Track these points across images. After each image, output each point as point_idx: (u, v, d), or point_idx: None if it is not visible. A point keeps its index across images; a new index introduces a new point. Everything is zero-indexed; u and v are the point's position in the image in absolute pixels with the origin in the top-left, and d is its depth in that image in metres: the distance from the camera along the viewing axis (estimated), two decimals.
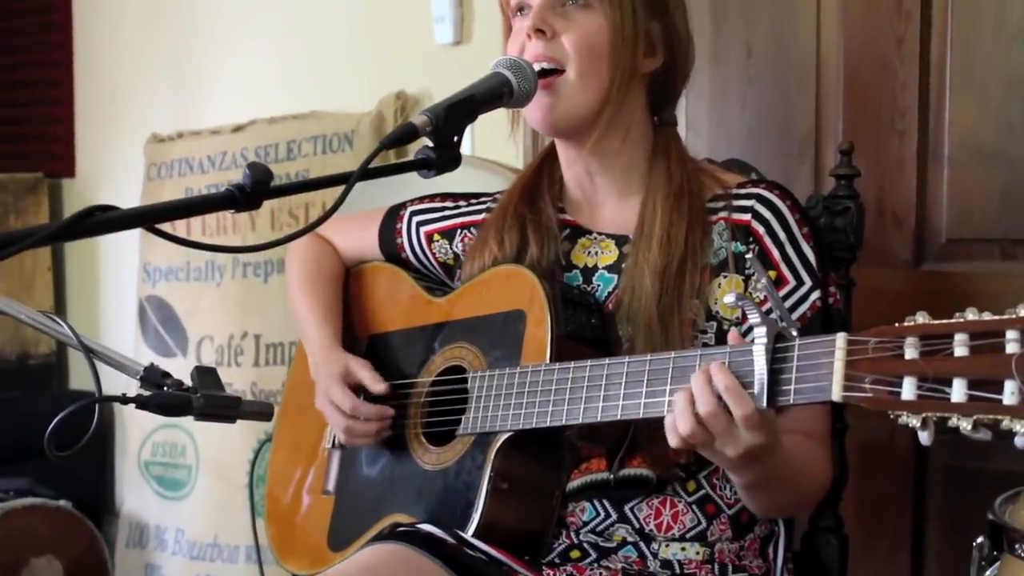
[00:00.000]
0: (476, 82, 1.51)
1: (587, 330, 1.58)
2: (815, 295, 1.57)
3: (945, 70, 2.13)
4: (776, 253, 1.58)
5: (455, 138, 1.43)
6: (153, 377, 1.44)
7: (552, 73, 1.58)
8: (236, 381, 3.19)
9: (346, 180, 1.31)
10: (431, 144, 1.41)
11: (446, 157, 1.41)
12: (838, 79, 2.26)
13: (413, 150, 1.42)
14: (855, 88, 2.25)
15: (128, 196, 3.61)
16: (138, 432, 3.49)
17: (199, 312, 3.33)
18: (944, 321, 1.13)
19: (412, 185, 1.81)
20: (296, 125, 3.12)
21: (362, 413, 1.71)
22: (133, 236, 3.57)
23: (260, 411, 1.47)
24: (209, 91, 3.47)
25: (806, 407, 1.54)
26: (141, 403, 1.41)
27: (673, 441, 1.33)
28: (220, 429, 3.19)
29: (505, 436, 1.54)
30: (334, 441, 1.81)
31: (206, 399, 1.42)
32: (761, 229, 1.59)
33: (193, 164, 3.38)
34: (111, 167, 3.79)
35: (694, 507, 1.59)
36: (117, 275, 3.74)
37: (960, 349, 1.11)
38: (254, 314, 3.19)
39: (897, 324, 1.16)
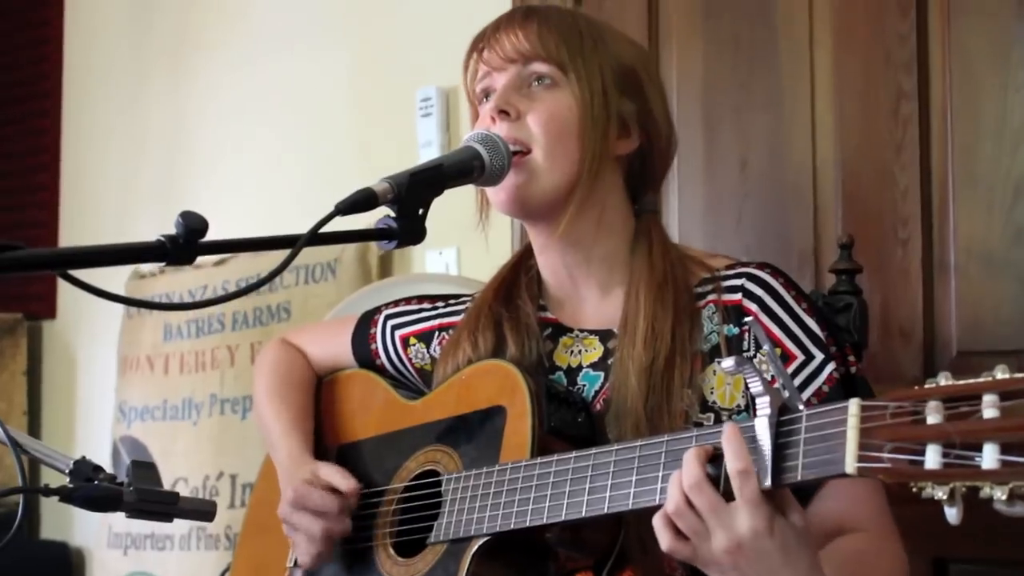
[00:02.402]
0: (446, 154, 1.43)
1: (572, 428, 1.45)
2: (830, 367, 1.42)
3: (947, 176, 2.05)
4: (775, 329, 1.44)
5: (420, 211, 1.33)
6: (84, 471, 1.31)
7: (518, 154, 1.49)
8: (208, 524, 3.02)
9: (293, 243, 1.21)
10: (393, 214, 1.31)
11: (409, 228, 1.31)
12: (836, 189, 2.18)
13: None
14: (854, 198, 2.16)
15: (108, 337, 3.51)
16: None
17: (174, 453, 3.18)
18: (971, 381, 1.01)
19: None
20: (279, 256, 3.01)
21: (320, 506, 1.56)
22: (111, 375, 3.46)
23: (201, 509, 1.34)
24: None
25: (847, 493, 1.38)
26: (65, 495, 1.28)
27: (662, 537, 1.18)
28: (191, 570, 3.02)
29: (481, 541, 1.39)
30: (295, 561, 1.65)
31: (139, 493, 1.28)
32: (754, 307, 1.46)
33: (173, 299, 3.27)
34: (91, 307, 3.69)
35: None
36: (94, 416, 3.60)
37: (990, 411, 0.99)
38: (230, 453, 3.04)
39: (917, 387, 1.03)
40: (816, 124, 2.22)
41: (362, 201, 1.28)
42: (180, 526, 3.09)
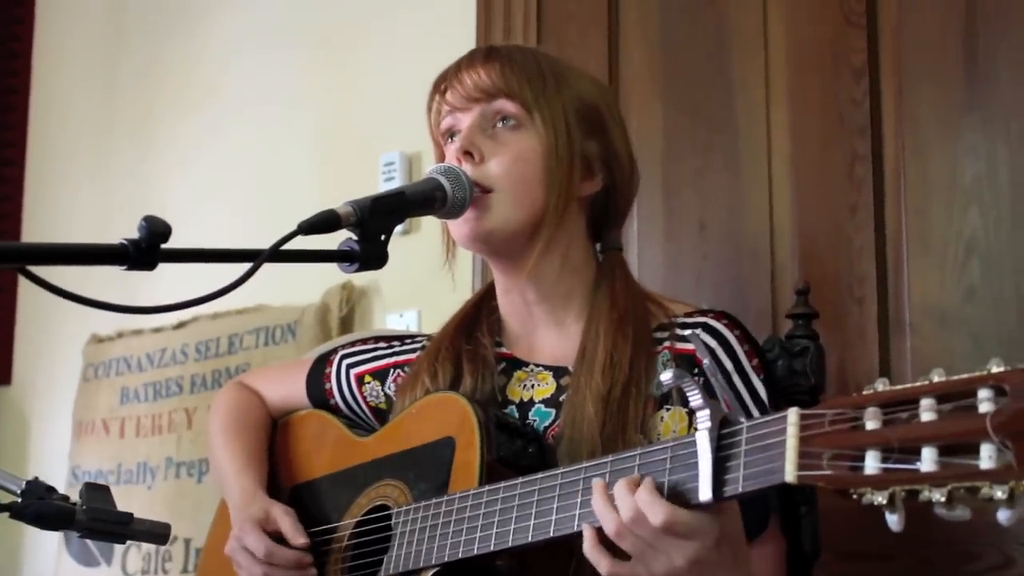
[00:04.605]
0: (408, 184, 1.45)
1: (523, 458, 1.44)
2: None
3: (901, 236, 2.08)
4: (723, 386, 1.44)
5: (382, 236, 1.34)
6: (36, 491, 1.30)
7: (480, 191, 1.51)
8: None
9: (255, 258, 1.21)
10: (355, 238, 1.32)
11: (371, 253, 1.32)
12: (793, 250, 2.21)
13: None
14: (811, 258, 2.19)
15: (63, 402, 3.47)
16: None
17: None
18: (908, 386, 1.02)
19: None
20: (240, 319, 3.02)
21: (277, 559, 1.54)
22: (65, 441, 3.41)
23: (155, 532, 1.32)
24: (153, 290, 3.37)
25: (760, 560, 1.40)
26: (16, 512, 1.26)
27: (593, 555, 1.18)
28: None
29: (430, 574, 1.37)
30: None
31: (91, 513, 1.26)
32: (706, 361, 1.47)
33: (131, 362, 3.25)
34: (48, 373, 3.65)
35: None
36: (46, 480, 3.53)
37: (927, 415, 0.99)
38: (185, 517, 2.98)
39: (855, 394, 1.04)
40: (773, 186, 2.25)
41: (325, 222, 1.29)
42: None
